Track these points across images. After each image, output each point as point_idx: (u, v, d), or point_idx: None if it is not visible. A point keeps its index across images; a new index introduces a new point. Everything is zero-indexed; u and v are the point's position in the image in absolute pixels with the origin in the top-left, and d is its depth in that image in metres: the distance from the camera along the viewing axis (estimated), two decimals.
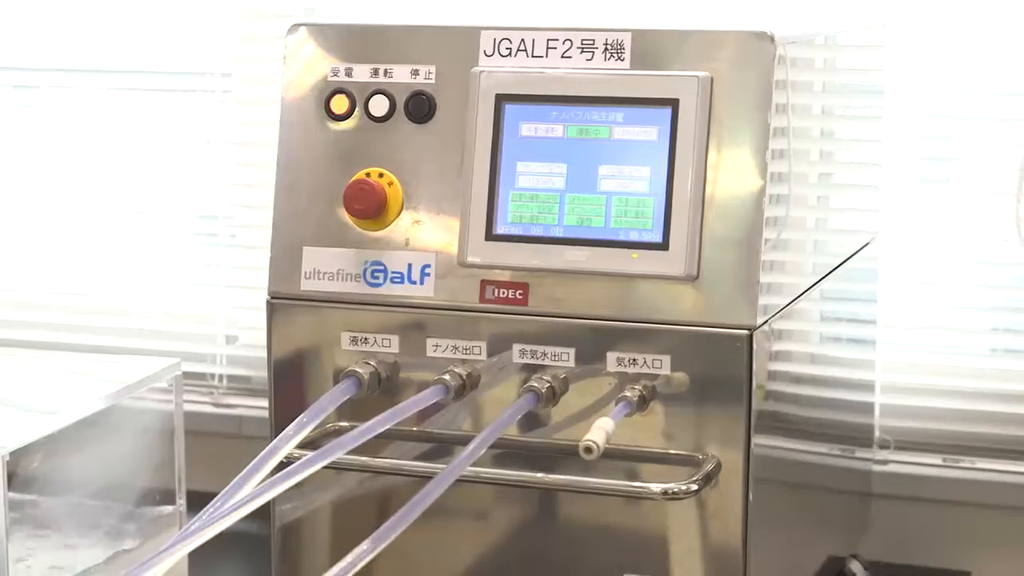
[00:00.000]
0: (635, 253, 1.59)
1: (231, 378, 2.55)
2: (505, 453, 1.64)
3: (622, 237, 1.60)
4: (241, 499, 1.48)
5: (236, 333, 2.55)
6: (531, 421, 1.64)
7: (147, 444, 2.11)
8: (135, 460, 2.10)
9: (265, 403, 2.47)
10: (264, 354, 2.50)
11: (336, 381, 1.65)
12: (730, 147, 1.59)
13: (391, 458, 1.67)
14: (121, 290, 2.60)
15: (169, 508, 2.13)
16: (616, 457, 1.59)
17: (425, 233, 1.66)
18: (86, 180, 2.61)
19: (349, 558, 1.41)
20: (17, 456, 1.84)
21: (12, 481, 1.84)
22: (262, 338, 2.50)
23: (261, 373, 2.52)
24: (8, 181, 2.65)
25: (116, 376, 2.07)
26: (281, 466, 1.53)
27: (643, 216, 1.59)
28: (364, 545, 1.42)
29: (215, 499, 1.50)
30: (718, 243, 1.58)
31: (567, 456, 1.61)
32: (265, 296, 1.74)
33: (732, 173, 1.58)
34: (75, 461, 2.00)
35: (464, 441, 1.58)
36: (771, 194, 1.59)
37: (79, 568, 1.97)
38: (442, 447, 1.67)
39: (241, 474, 1.51)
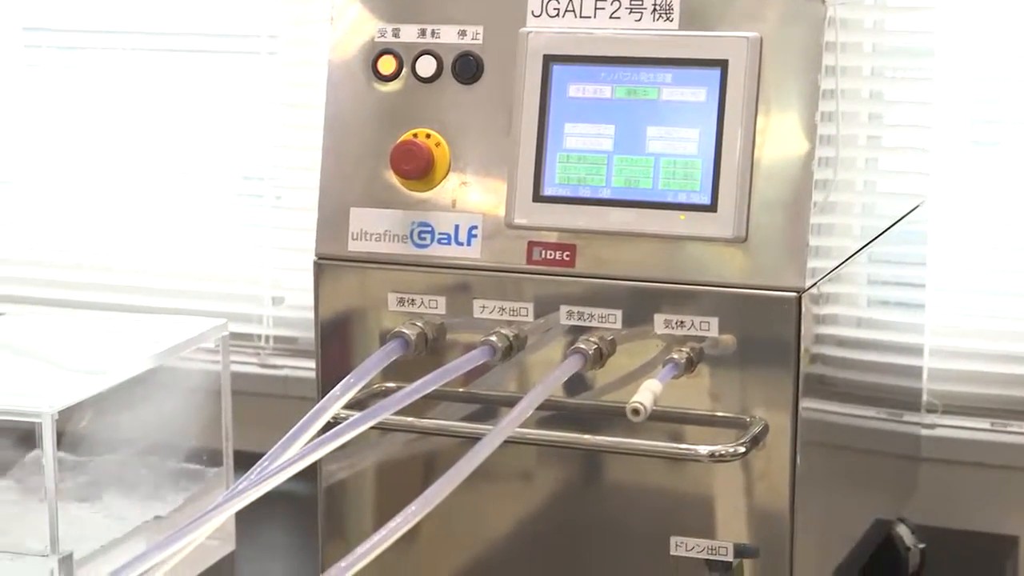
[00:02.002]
0: (683, 215, 1.59)
1: (277, 339, 2.56)
2: (552, 415, 1.64)
3: (670, 199, 1.59)
4: (288, 459, 1.48)
5: (282, 294, 2.56)
6: (577, 383, 1.63)
7: (194, 404, 2.12)
8: (182, 420, 2.11)
9: (311, 364, 2.48)
10: (310, 315, 2.52)
11: (383, 342, 1.65)
12: (779, 109, 1.57)
13: (437, 419, 1.67)
14: (168, 251, 2.61)
15: (216, 468, 2.14)
16: (662, 419, 1.58)
17: (472, 194, 1.65)
18: (132, 142, 2.62)
19: (398, 519, 1.40)
20: (66, 415, 1.86)
21: (60, 440, 1.86)
22: (308, 299, 2.51)
23: (307, 334, 2.52)
24: (54, 143, 2.66)
25: (163, 336, 2.08)
26: (328, 426, 1.53)
27: (691, 178, 1.58)
28: (412, 506, 1.41)
29: (262, 459, 1.50)
30: (767, 205, 1.57)
31: (613, 418, 1.60)
32: (312, 257, 1.73)
33: (781, 135, 1.57)
34: (123, 421, 2.02)
35: (510, 402, 1.58)
36: (820, 156, 1.58)
37: (127, 526, 1.98)
38: (487, 408, 1.67)
39: (288, 434, 1.52)
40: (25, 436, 2.02)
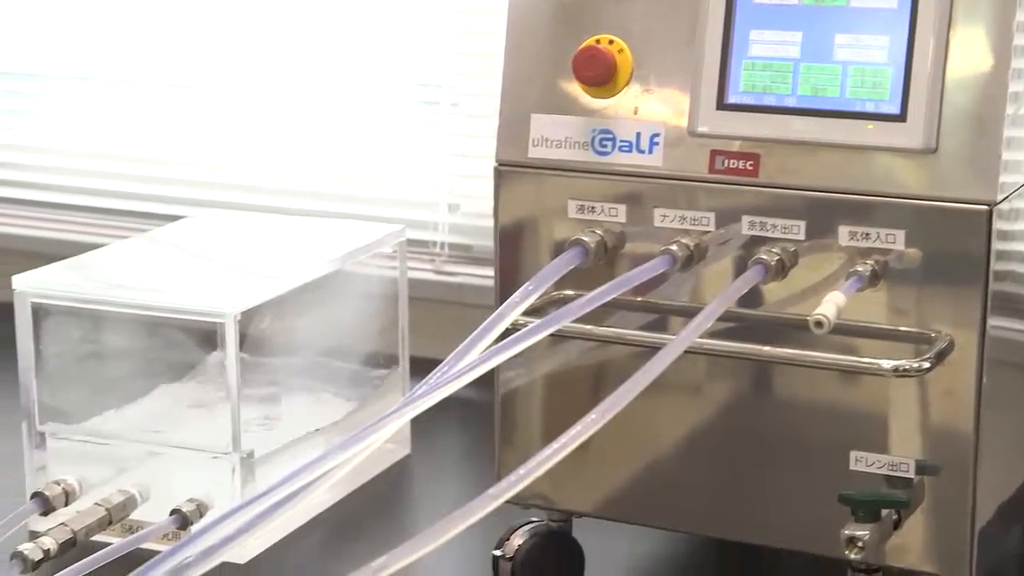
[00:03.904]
0: (870, 124, 1.55)
1: (452, 246, 2.57)
2: (730, 326, 1.62)
3: (858, 108, 1.56)
4: (468, 365, 1.49)
5: (458, 201, 2.57)
6: (757, 294, 1.61)
7: (371, 309, 2.14)
8: (359, 324, 2.13)
9: (485, 271, 2.50)
10: (484, 222, 2.54)
11: (560, 249, 1.65)
12: (973, 17, 1.53)
13: (614, 327, 1.66)
14: (346, 157, 2.63)
15: (391, 372, 2.16)
16: (843, 332, 1.56)
17: (655, 101, 1.63)
18: (312, 48, 2.63)
19: (577, 427, 1.40)
20: (248, 317, 1.89)
21: (243, 342, 1.89)
22: (483, 207, 2.53)
23: (481, 242, 2.53)
24: (235, 49, 2.68)
25: (342, 241, 2.10)
26: (505, 333, 1.54)
27: (880, 87, 1.55)
28: (592, 414, 1.41)
29: (441, 364, 1.51)
30: (958, 116, 1.53)
31: (790, 330, 1.59)
32: (487, 164, 1.73)
33: (975, 44, 1.53)
34: (302, 323, 2.04)
35: (688, 313, 1.57)
36: (1014, 68, 1.53)
37: (307, 427, 2.01)
38: (662, 318, 1.66)
39: (467, 340, 1.52)
40: (207, 337, 2.06)
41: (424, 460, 2.16)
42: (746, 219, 1.61)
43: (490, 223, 2.39)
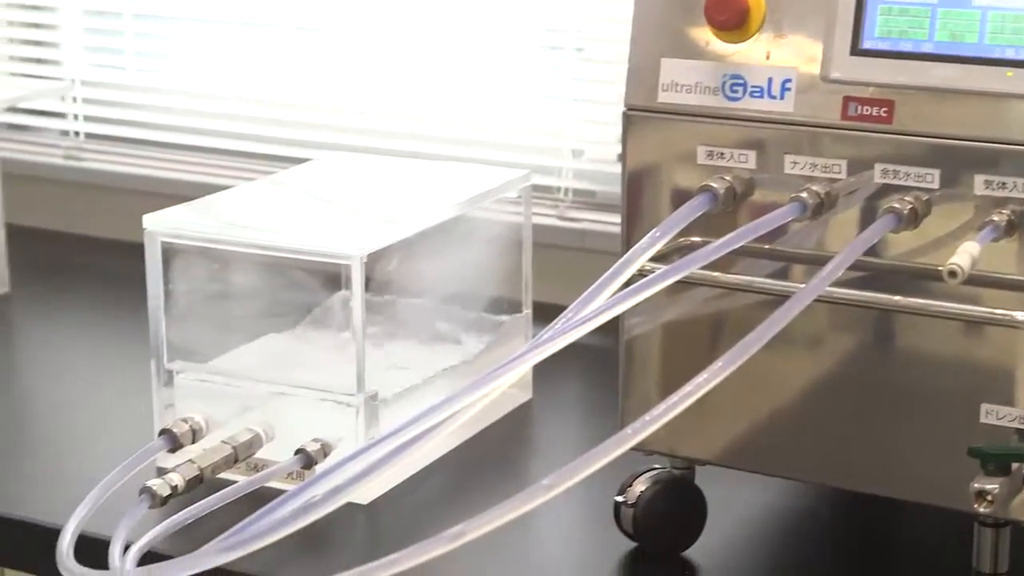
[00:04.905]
0: (1010, 71, 1.52)
1: (576, 192, 2.56)
2: (857, 275, 1.60)
3: (997, 54, 1.53)
4: (594, 310, 1.48)
5: (582, 147, 2.56)
6: (884, 243, 1.59)
7: (495, 254, 2.14)
8: (483, 269, 2.14)
9: (608, 217, 2.50)
10: (609, 168, 2.53)
11: (688, 196, 1.63)
12: None
13: (741, 275, 1.65)
14: (471, 102, 2.63)
15: (515, 317, 2.17)
16: (973, 283, 1.53)
17: (787, 46, 1.61)
18: None
19: (704, 375, 1.40)
20: (374, 259, 1.89)
21: (369, 283, 1.90)
22: (607, 152, 2.53)
23: (605, 188, 2.52)
24: None
25: (467, 185, 2.10)
26: (630, 280, 1.53)
27: (1021, 32, 1.51)
28: (719, 362, 1.41)
29: (567, 310, 1.51)
30: None
31: (918, 280, 1.56)
32: (611, 110, 1.71)
33: None
34: (426, 267, 2.05)
35: (816, 261, 1.55)
36: None
37: (431, 370, 2.02)
38: (786, 267, 1.64)
39: (594, 286, 1.52)
40: (330, 279, 2.07)
41: (546, 406, 2.16)
42: (879, 167, 1.58)
43: (614, 169, 2.38)
